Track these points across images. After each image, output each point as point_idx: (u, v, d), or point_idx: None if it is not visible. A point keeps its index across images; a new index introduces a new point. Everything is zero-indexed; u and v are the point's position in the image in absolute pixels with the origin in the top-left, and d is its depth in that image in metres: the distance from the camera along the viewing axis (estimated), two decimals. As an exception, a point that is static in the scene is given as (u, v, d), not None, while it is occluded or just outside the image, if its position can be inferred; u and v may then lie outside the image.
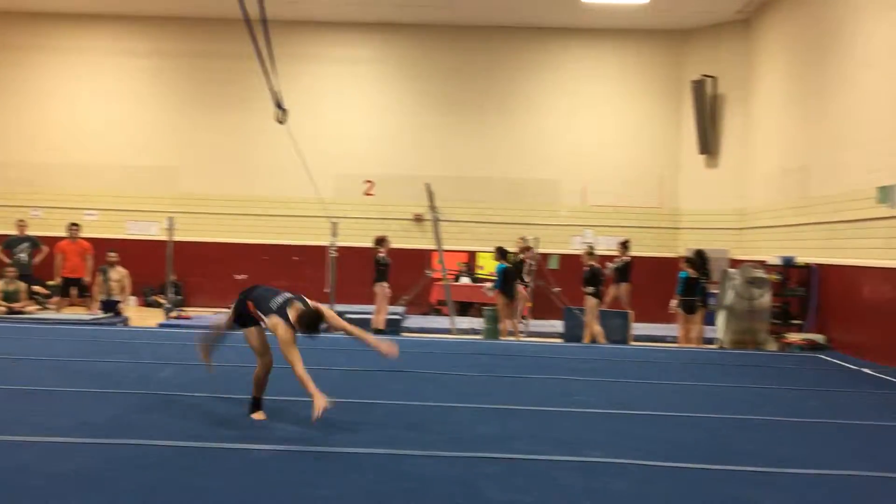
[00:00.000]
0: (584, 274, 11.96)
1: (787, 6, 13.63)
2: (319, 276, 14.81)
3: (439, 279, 14.72)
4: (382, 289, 12.43)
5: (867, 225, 10.19)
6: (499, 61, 16.81)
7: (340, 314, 12.56)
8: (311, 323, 5.41)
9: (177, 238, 14.21)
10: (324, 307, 5.65)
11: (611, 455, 4.99)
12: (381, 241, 12.68)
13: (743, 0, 14.58)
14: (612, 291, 13.20)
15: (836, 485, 4.61)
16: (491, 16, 16.21)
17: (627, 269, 13.36)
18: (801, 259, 11.90)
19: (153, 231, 16.52)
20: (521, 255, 13.00)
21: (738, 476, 4.69)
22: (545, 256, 13.16)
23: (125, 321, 12.60)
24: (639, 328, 12.66)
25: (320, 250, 15.31)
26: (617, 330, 11.94)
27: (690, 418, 6.35)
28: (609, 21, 16.13)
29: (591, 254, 12.28)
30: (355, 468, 4.56)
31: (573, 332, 12.05)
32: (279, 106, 10.60)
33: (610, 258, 13.56)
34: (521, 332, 12.72)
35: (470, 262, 16.46)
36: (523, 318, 13.04)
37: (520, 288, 12.63)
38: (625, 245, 13.53)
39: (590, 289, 11.79)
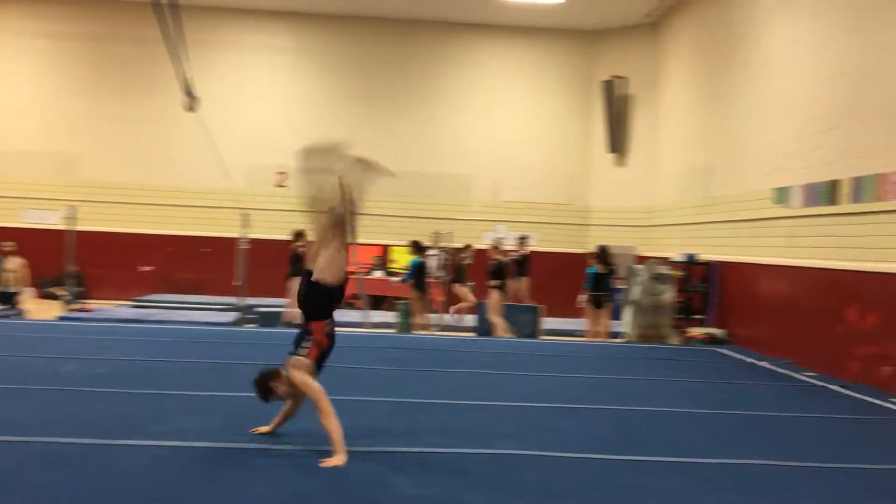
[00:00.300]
0: (490, 268, 12.17)
1: (693, 11, 14.09)
2: (230, 268, 14.51)
3: (352, 273, 14.63)
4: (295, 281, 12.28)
5: (765, 224, 10.65)
6: (416, 55, 16.82)
7: (251, 308, 12.39)
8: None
9: (79, 227, 13.66)
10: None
11: (522, 447, 5.08)
12: (299, 234, 12.52)
13: (651, 3, 14.99)
14: (512, 285, 13.41)
15: (739, 472, 4.81)
16: (408, 9, 16.20)
17: (525, 263, 13.61)
18: (704, 256, 12.34)
19: (53, 220, 15.85)
20: (462, 254, 13.09)
21: (645, 465, 4.84)
22: (458, 251, 13.26)
23: (21, 314, 12.06)
24: (549, 322, 12.89)
25: (231, 242, 15.00)
26: (527, 324, 12.14)
27: (599, 410, 6.51)
28: (523, 19, 16.34)
29: (497, 248, 12.49)
30: (267, 465, 4.50)
31: (486, 327, 12.18)
32: (189, 94, 10.32)
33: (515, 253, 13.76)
34: (436, 326, 12.78)
35: (384, 256, 16.43)
36: (451, 312, 13.09)
37: (463, 286, 12.80)
38: (523, 240, 13.76)
39: (494, 282, 12.00)
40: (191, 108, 10.42)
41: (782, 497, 4.38)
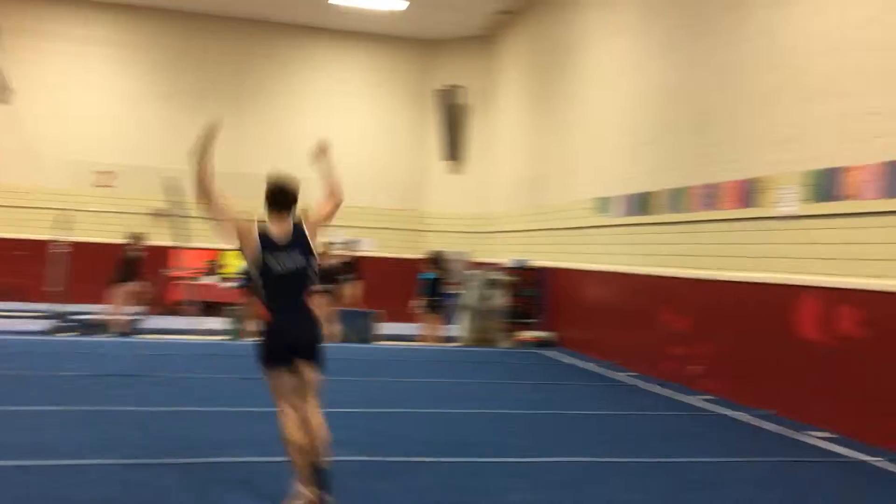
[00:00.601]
0: (319, 272, 12.14)
1: (525, 26, 14.64)
2: (47, 272, 13.56)
3: (181, 278, 14.08)
4: (127, 287, 11.69)
5: (590, 232, 11.21)
6: (251, 55, 16.42)
7: (67, 315, 11.61)
8: None
9: None
10: None
11: (349, 453, 5.06)
12: (137, 237, 11.97)
13: (486, 17, 15.43)
14: (346, 290, 13.39)
15: (559, 469, 5.02)
16: (243, 8, 15.79)
17: (355, 267, 13.64)
18: (534, 262, 12.82)
19: None
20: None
21: (475, 467, 4.95)
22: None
23: None
24: (384, 327, 12.95)
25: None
26: (361, 329, 12.12)
27: (431, 414, 6.61)
28: (362, 25, 16.35)
29: (325, 252, 12.44)
30: (89, 480, 4.24)
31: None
32: (3, 84, 9.57)
33: (366, 259, 13.73)
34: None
35: (216, 261, 15.89)
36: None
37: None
38: (349, 244, 13.75)
39: (322, 287, 11.96)
40: (4, 100, 9.66)
41: (598, 491, 4.62)
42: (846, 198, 6.50)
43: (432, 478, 4.68)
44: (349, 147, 16.69)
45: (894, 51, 6.14)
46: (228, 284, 14.26)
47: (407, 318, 13.83)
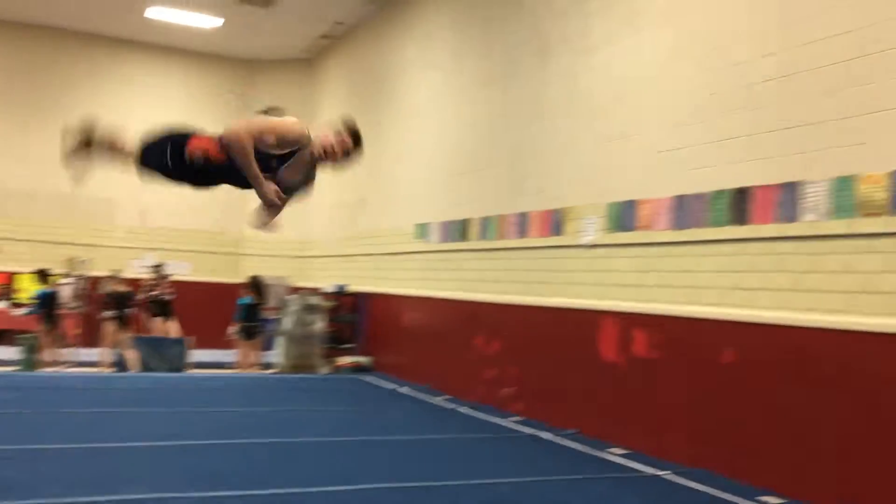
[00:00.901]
0: (105, 298, 11.66)
1: (347, 52, 14.70)
2: None
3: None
4: None
5: (409, 257, 11.36)
6: (55, 66, 15.36)
7: None
8: None
9: None
10: None
11: (150, 490, 4.80)
12: None
13: (307, 40, 15.35)
14: (158, 320, 12.80)
15: (365, 497, 5.00)
16: (55, 18, 14.76)
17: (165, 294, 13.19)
18: (353, 287, 12.81)
19: None
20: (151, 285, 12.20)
21: (276, 498, 4.83)
22: (97, 280, 12.29)
23: None
24: (198, 355, 12.44)
25: None
26: (173, 357, 11.59)
27: (237, 445, 6.39)
28: (179, 41, 15.76)
29: (114, 277, 11.91)
30: None
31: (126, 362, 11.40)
32: None
33: (167, 282, 13.15)
34: (67, 363, 11.68)
35: (8, 285, 14.65)
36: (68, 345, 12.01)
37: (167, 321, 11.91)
38: (158, 267, 13.22)
39: (110, 313, 11.47)
40: None
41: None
42: (640, 228, 6.99)
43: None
44: (162, 166, 15.98)
45: (680, 96, 6.70)
46: (20, 311, 13.17)
47: (224, 344, 13.38)
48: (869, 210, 5.03)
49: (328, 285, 13.16)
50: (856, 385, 5.06)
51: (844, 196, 5.18)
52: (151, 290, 12.81)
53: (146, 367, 11.21)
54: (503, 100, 9.32)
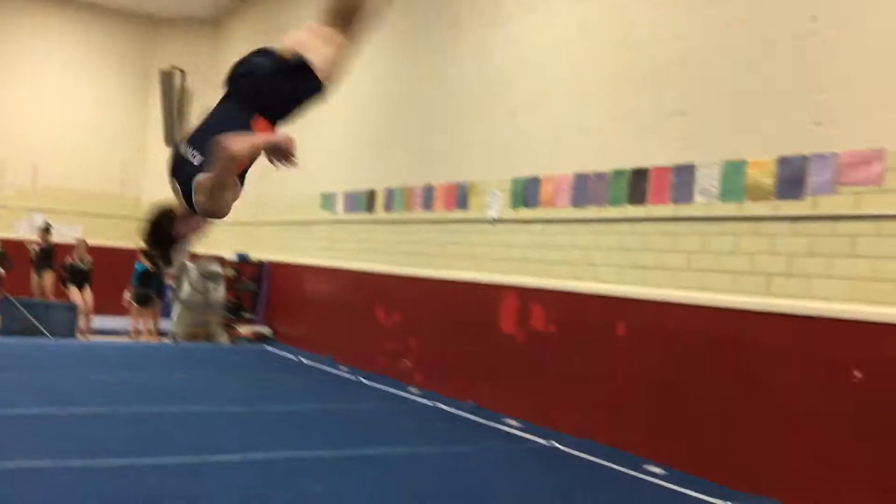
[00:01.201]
0: None
1: (253, 13, 14.29)
2: None
3: None
4: None
5: (312, 227, 11.22)
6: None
7: None
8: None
9: None
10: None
11: (33, 458, 4.63)
12: None
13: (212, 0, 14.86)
14: (34, 279, 12.33)
15: (265, 466, 4.95)
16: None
17: (51, 256, 12.68)
18: (255, 256, 12.58)
19: None
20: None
21: (166, 468, 4.74)
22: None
23: None
24: (92, 321, 12.02)
25: None
26: (63, 323, 11.15)
27: (128, 414, 6.22)
28: (76, -8, 15.02)
29: None
30: None
31: (8, 326, 10.88)
32: None
33: (64, 246, 12.64)
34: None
35: None
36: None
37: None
38: (46, 230, 12.75)
39: None
40: None
41: (303, 486, 4.62)
42: (543, 205, 7.10)
43: (122, 480, 4.41)
44: (59, 125, 15.27)
45: (585, 74, 6.81)
46: None
47: (119, 311, 12.96)
48: (756, 194, 5.25)
49: (230, 253, 12.88)
50: (738, 360, 5.31)
51: (734, 180, 5.39)
52: (39, 252, 12.29)
53: (8, 331, 10.68)
54: (413, 72, 9.26)
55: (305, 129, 11.80)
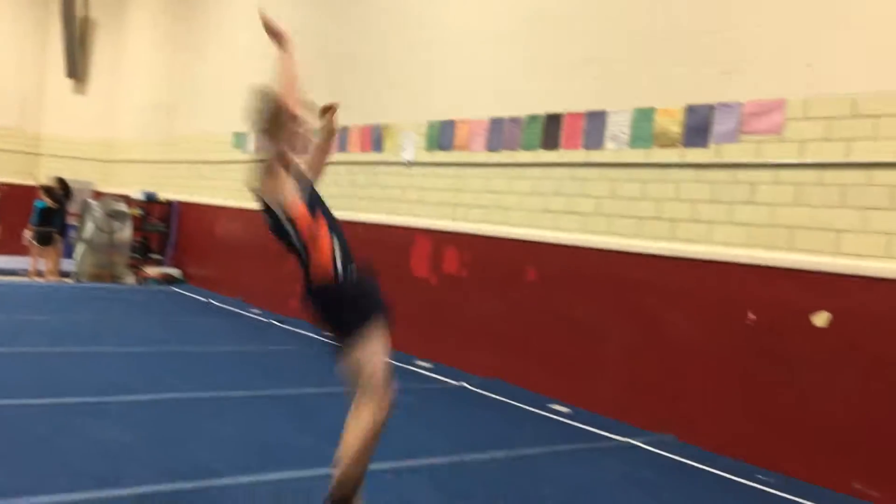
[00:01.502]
0: None
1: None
2: None
3: None
4: None
5: (224, 166, 10.93)
6: None
7: None
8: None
9: None
10: None
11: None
12: None
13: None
14: None
15: (164, 406, 4.88)
16: None
17: None
18: (164, 195, 12.21)
19: None
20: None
21: (66, 408, 4.62)
22: None
23: None
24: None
25: None
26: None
27: (25, 354, 6.02)
28: None
29: None
30: None
31: None
32: None
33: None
34: None
35: None
36: None
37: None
38: None
39: None
40: None
41: (212, 425, 4.58)
42: (457, 148, 7.09)
43: (21, 421, 4.28)
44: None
45: (500, 19, 6.77)
46: None
47: (18, 249, 12.42)
48: (664, 141, 5.38)
49: (136, 192, 12.46)
50: (642, 303, 5.48)
51: (643, 127, 5.50)
52: None
53: None
54: (328, 9, 9.04)
55: (215, 65, 11.45)
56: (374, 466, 4.05)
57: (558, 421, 5.44)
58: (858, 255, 4.39)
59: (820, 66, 4.63)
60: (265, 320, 8.72)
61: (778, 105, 4.77)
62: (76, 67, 15.00)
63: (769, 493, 4.30)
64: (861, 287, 4.36)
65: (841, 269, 4.44)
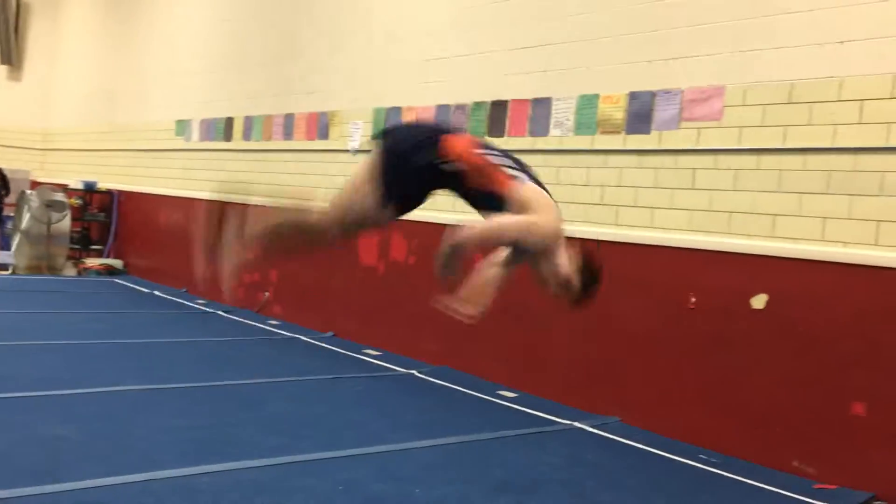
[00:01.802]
0: None
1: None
2: None
3: None
4: None
5: (166, 155, 10.73)
6: None
7: None
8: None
9: None
10: None
11: None
12: None
13: None
14: None
15: (104, 399, 4.78)
16: None
17: None
18: (104, 185, 11.93)
19: None
20: None
21: (2, 402, 4.49)
22: None
23: None
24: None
25: None
26: None
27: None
28: None
29: None
30: None
31: None
32: None
33: None
34: None
35: None
36: None
37: None
38: None
39: None
40: None
41: (154, 418, 4.50)
42: (404, 136, 7.06)
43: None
44: None
45: (444, 5, 6.76)
46: None
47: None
48: (607, 128, 5.43)
49: (75, 181, 12.14)
50: (586, 289, 5.53)
51: (587, 114, 5.55)
52: None
53: None
54: (271, -6, 8.91)
55: (156, 51, 11.20)
56: (320, 455, 4.05)
57: (506, 406, 5.48)
58: (794, 239, 4.50)
59: (758, 53, 4.72)
60: (209, 311, 8.60)
61: (717, 92, 4.86)
62: (10, 54, 14.54)
63: (712, 472, 4.41)
64: (796, 269, 4.48)
65: (777, 252, 4.55)
